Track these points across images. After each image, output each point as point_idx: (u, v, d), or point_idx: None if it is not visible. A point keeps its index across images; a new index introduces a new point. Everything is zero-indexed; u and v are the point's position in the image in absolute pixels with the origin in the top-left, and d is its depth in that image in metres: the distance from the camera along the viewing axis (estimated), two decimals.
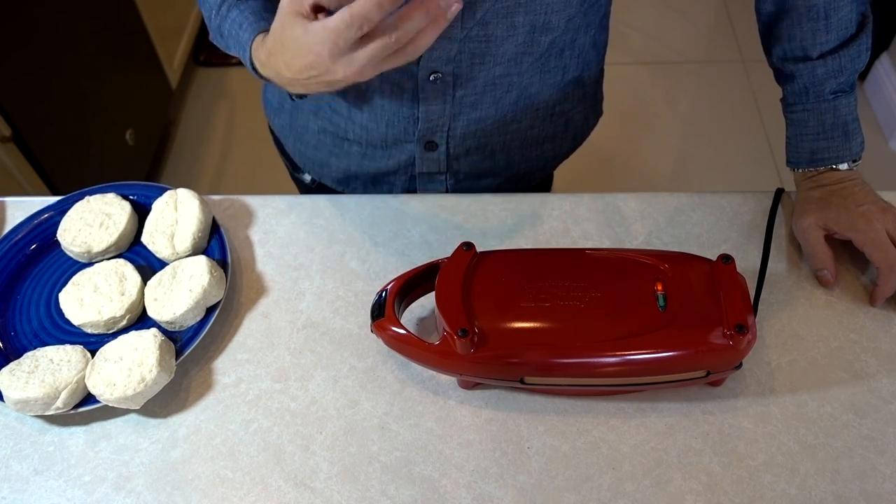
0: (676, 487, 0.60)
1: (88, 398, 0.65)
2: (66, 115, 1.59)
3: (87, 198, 0.77)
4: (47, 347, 0.67)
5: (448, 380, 0.67)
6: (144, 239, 0.74)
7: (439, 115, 0.77)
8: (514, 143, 0.85)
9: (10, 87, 1.39)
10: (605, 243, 0.76)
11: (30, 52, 1.45)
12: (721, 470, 0.61)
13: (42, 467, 0.64)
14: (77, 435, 0.65)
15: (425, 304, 0.71)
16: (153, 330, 0.66)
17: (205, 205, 0.75)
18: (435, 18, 0.52)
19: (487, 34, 0.70)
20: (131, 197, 0.79)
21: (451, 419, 0.65)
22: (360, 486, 0.61)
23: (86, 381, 0.64)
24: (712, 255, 0.66)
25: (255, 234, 0.78)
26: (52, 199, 0.79)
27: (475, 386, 0.66)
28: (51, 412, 0.64)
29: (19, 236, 0.76)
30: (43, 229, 0.77)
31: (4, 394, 0.63)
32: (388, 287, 0.65)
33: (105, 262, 0.72)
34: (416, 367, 0.67)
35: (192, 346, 0.67)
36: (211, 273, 0.69)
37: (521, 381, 0.62)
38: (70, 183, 1.57)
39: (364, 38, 0.53)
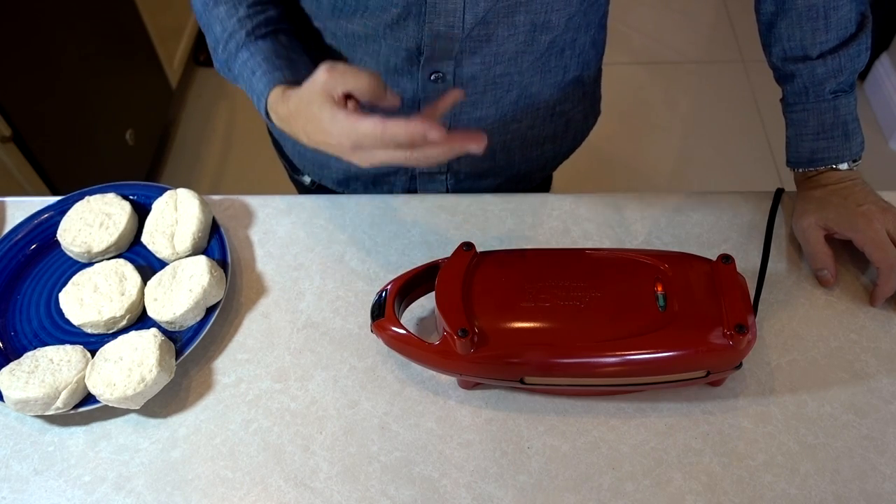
0: (676, 487, 0.60)
1: (88, 398, 0.65)
2: (66, 115, 1.59)
3: (87, 198, 0.77)
4: (47, 347, 0.67)
5: (448, 380, 0.67)
6: (144, 239, 0.74)
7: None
8: (515, 143, 0.85)
9: (10, 87, 1.39)
10: (605, 243, 0.76)
11: (30, 52, 1.45)
12: (721, 470, 0.61)
13: (42, 467, 0.64)
14: (77, 435, 0.65)
15: (425, 304, 0.71)
16: (153, 330, 0.66)
17: (205, 205, 0.75)
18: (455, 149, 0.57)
19: (489, 34, 0.70)
20: (131, 197, 0.79)
21: (451, 419, 0.65)
22: (360, 486, 0.61)
23: (86, 381, 0.64)
24: (712, 255, 0.66)
25: (255, 234, 0.78)
26: (52, 199, 0.79)
27: (475, 386, 0.66)
28: (51, 412, 0.64)
29: (19, 236, 0.76)
30: (43, 229, 0.77)
31: (4, 394, 0.63)
32: (388, 287, 0.65)
33: (105, 262, 0.72)
34: (416, 367, 0.67)
35: (192, 346, 0.67)
36: (211, 273, 0.69)
37: (521, 381, 0.62)
38: (70, 183, 1.57)
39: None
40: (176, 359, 0.66)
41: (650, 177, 2.04)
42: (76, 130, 1.63)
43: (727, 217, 0.78)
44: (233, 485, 0.62)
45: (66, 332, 0.71)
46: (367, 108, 0.60)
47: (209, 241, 0.75)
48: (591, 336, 0.60)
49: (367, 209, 0.80)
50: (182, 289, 0.68)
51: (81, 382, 0.64)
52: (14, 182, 1.47)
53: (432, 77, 0.73)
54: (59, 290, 0.71)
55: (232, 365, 0.69)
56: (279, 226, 0.79)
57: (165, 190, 0.77)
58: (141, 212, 0.78)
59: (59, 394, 0.63)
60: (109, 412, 0.66)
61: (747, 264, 0.73)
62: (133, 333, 0.66)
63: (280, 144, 0.95)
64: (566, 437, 0.63)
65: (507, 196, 0.80)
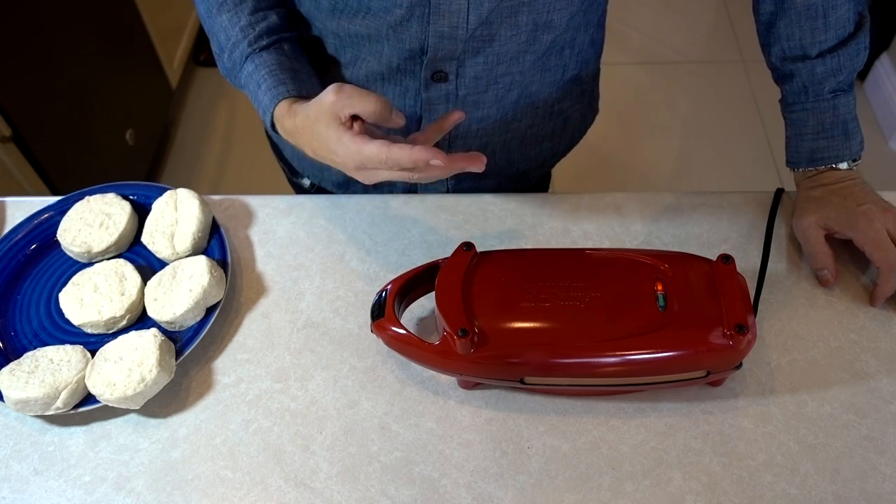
0: (676, 487, 0.60)
1: (88, 398, 0.65)
2: (66, 115, 1.59)
3: (87, 198, 0.77)
4: (47, 347, 0.67)
5: (448, 380, 0.67)
6: (144, 239, 0.74)
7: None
8: (514, 142, 0.85)
9: (10, 87, 1.39)
10: (605, 243, 0.76)
11: (30, 53, 1.45)
12: (721, 470, 0.61)
13: (42, 467, 0.64)
14: (77, 435, 0.65)
15: (425, 304, 0.71)
16: (153, 330, 0.66)
17: (205, 205, 0.75)
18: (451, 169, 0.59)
19: (492, 34, 0.70)
20: (131, 197, 0.79)
21: (451, 419, 0.65)
22: (360, 486, 0.61)
23: (86, 381, 0.64)
24: (712, 255, 0.66)
25: (255, 234, 0.78)
26: (52, 199, 0.79)
27: (475, 386, 0.66)
28: (51, 412, 0.64)
29: (19, 236, 0.76)
30: (43, 229, 0.77)
31: (4, 394, 0.63)
32: (388, 287, 0.65)
33: (105, 262, 0.72)
34: (416, 367, 0.67)
35: (192, 346, 0.67)
36: (211, 273, 0.69)
37: (521, 381, 0.62)
38: (70, 183, 1.57)
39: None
40: (176, 359, 0.66)
41: (650, 177, 2.04)
42: (76, 130, 1.63)
43: (727, 217, 0.78)
44: (233, 485, 0.62)
45: (66, 332, 0.71)
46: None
47: (209, 241, 0.75)
48: (591, 336, 0.60)
49: (367, 209, 0.80)
50: (182, 289, 0.68)
51: (81, 382, 0.64)
52: (14, 182, 1.47)
53: (435, 77, 0.73)
54: (59, 290, 0.71)
55: (232, 365, 0.69)
56: (279, 226, 0.79)
57: (165, 190, 0.77)
58: (141, 212, 0.78)
59: (59, 394, 0.63)
60: (109, 412, 0.66)
61: (747, 264, 0.73)
62: (133, 333, 0.66)
63: (279, 148, 0.95)
64: (566, 437, 0.63)
65: (507, 196, 0.80)
